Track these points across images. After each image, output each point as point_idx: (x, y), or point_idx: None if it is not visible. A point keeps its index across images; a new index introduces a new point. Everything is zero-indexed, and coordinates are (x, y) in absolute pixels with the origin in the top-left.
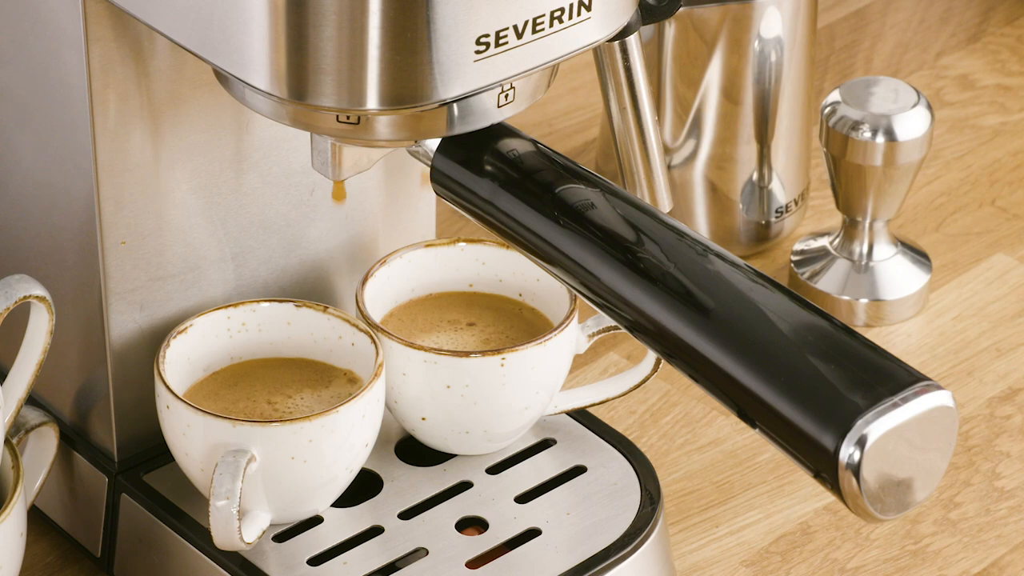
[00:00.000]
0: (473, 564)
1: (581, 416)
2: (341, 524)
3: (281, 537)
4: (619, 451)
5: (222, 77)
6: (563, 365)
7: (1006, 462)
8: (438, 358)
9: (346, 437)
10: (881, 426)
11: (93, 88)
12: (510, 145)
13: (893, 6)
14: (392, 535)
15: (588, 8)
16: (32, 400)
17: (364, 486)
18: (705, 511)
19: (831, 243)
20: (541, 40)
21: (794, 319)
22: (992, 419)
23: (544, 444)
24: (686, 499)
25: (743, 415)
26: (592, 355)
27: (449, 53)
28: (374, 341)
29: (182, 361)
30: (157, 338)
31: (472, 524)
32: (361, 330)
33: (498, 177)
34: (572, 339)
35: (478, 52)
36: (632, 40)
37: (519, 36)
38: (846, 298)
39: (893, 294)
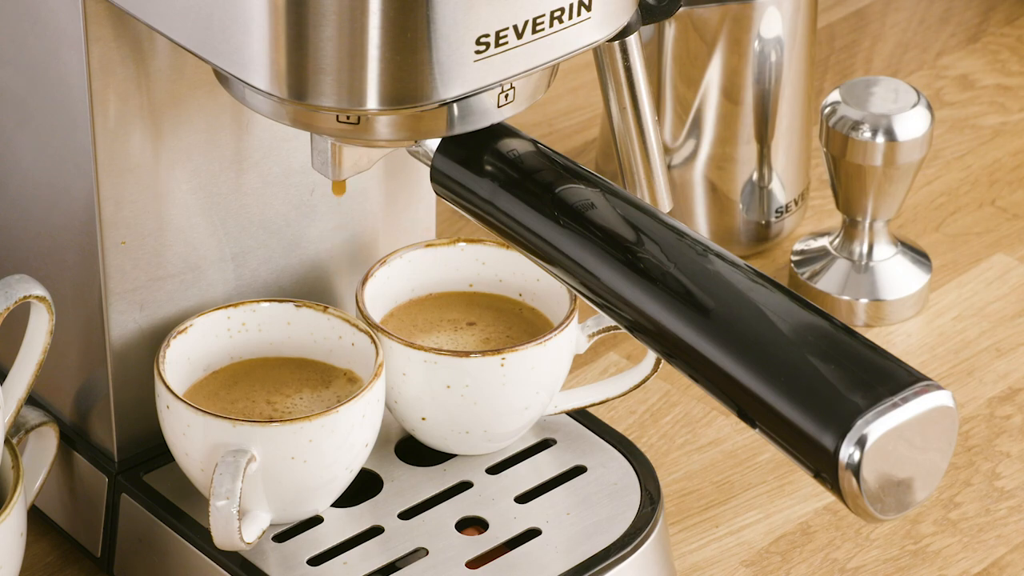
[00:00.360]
0: (473, 564)
1: (581, 416)
2: (341, 524)
3: (281, 537)
4: (619, 451)
5: (222, 77)
6: (563, 365)
7: (1006, 462)
8: (438, 358)
9: (346, 437)
10: (881, 426)
11: (93, 88)
12: (510, 145)
13: (893, 6)
14: (392, 535)
15: (588, 8)
16: (32, 400)
17: (364, 486)
18: (705, 511)
19: (831, 243)
20: (541, 40)
21: (794, 319)
22: (992, 419)
23: (544, 444)
24: (686, 499)
25: (743, 415)
26: (592, 355)
27: (449, 53)
28: (374, 341)
29: (182, 361)
30: (157, 338)
31: (472, 524)
32: (361, 330)
33: (498, 177)
34: (572, 339)
35: (478, 52)
36: (632, 40)
37: (519, 36)
38: (846, 298)
39: (893, 294)
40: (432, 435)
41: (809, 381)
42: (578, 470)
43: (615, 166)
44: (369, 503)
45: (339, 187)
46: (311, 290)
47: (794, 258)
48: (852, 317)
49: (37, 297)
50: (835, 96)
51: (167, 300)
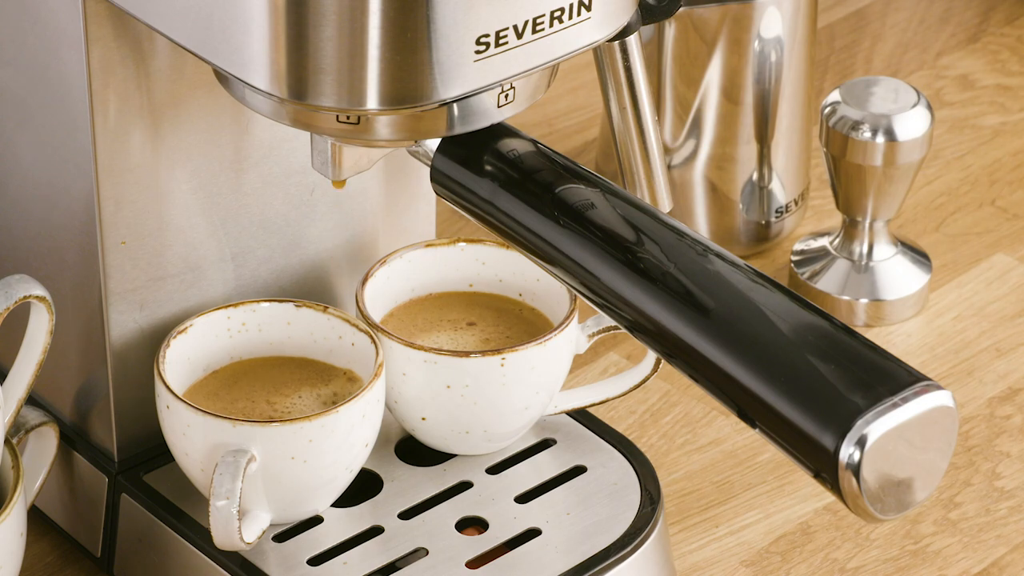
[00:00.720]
0: (473, 564)
1: (581, 416)
2: (341, 524)
3: (281, 537)
4: (619, 451)
5: (222, 77)
6: (563, 365)
7: (1006, 462)
8: (438, 358)
9: (346, 437)
10: (881, 426)
11: (93, 88)
12: (510, 145)
13: (893, 6)
14: (392, 535)
15: (588, 8)
16: (32, 400)
17: (364, 486)
18: (705, 511)
19: (831, 243)
20: (541, 40)
21: (794, 319)
22: (992, 419)
23: (544, 444)
24: (686, 499)
25: (743, 415)
26: (592, 355)
27: (449, 53)
28: (374, 341)
29: (182, 361)
30: (157, 338)
31: (472, 524)
32: (361, 330)
33: (498, 177)
34: (572, 339)
35: (478, 52)
36: (632, 40)
37: (519, 36)
38: (846, 298)
39: (893, 294)
40: (432, 435)
41: (809, 381)
42: (578, 470)
43: (615, 166)
44: (369, 503)
45: (339, 181)
46: (311, 290)
47: (794, 258)
48: (852, 317)
49: (37, 297)
50: (835, 96)
51: (167, 300)
